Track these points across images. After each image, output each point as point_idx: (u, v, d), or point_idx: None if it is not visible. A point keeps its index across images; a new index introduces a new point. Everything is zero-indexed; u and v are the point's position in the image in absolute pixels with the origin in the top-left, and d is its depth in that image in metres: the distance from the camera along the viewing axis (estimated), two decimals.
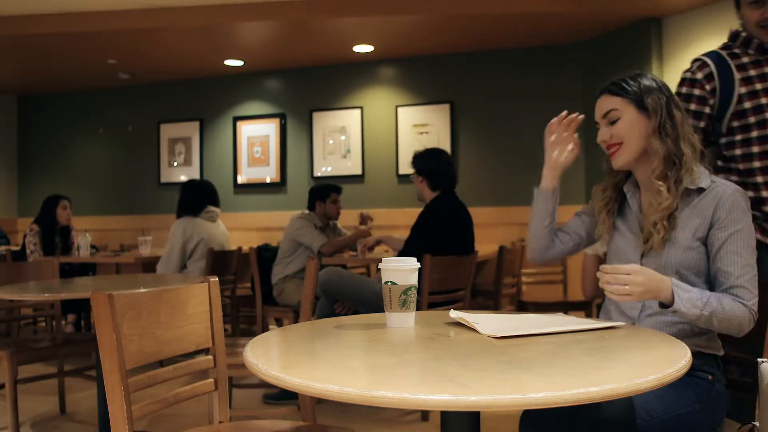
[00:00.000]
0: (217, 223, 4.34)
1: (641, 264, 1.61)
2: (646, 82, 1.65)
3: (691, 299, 1.46)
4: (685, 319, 1.50)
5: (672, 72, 5.00)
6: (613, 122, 1.64)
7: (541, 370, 1.02)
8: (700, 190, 1.60)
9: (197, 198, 4.24)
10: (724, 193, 1.57)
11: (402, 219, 4.90)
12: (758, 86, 2.00)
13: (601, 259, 3.18)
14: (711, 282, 1.60)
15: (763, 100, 1.99)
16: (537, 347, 1.18)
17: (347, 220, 5.53)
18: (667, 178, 1.60)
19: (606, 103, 1.67)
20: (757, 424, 1.32)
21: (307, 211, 4.28)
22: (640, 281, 1.41)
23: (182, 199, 4.26)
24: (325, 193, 4.26)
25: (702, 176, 1.62)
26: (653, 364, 1.06)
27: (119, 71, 6.39)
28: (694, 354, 1.57)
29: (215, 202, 4.32)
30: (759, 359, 1.32)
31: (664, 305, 1.48)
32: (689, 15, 4.94)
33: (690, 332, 1.58)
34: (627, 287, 1.41)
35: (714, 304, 1.47)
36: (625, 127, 1.63)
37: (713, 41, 4.82)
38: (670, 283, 1.46)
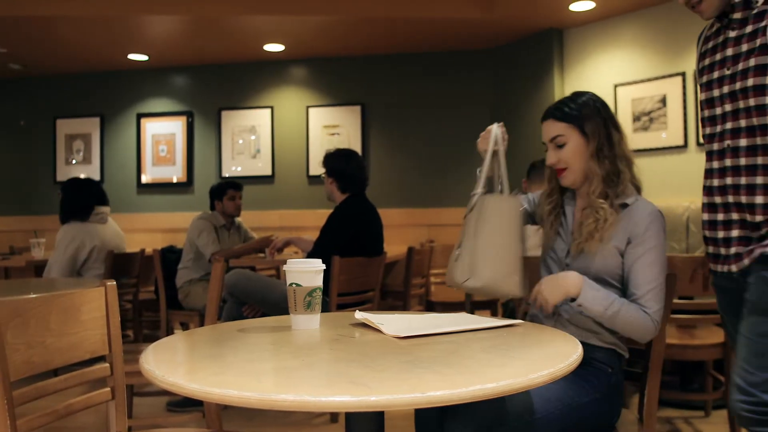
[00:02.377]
0: (109, 223, 4.00)
1: (566, 265, 1.74)
2: (586, 106, 1.74)
3: (597, 297, 1.59)
4: (589, 314, 1.62)
5: (573, 80, 5.26)
6: (560, 146, 1.74)
7: (441, 368, 1.04)
8: (624, 205, 1.71)
9: (83, 199, 3.84)
10: (644, 211, 1.68)
11: (312, 220, 4.88)
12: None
13: None
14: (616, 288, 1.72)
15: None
16: (439, 346, 1.21)
17: (257, 221, 5.44)
18: (607, 196, 1.71)
19: (552, 128, 1.76)
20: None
21: (209, 212, 4.20)
22: (544, 288, 1.63)
23: (65, 201, 3.84)
24: (222, 190, 4.20)
25: (629, 192, 1.73)
26: (547, 359, 1.11)
27: (10, 62, 5.99)
28: (600, 348, 1.67)
29: (103, 201, 3.94)
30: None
31: (573, 299, 1.61)
32: (588, 28, 5.21)
33: (602, 328, 1.69)
34: (541, 297, 1.63)
35: (617, 307, 1.59)
36: (571, 152, 1.73)
37: (610, 52, 5.14)
38: (581, 280, 1.60)
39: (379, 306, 3.36)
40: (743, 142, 1.48)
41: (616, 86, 4.98)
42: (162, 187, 6.31)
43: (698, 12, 1.56)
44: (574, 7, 4.78)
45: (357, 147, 5.86)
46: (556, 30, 5.30)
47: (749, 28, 1.47)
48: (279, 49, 5.74)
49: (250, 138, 6.13)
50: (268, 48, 5.71)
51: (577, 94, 1.79)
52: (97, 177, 6.27)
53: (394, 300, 4.13)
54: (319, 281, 1.39)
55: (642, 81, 4.85)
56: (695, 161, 4.57)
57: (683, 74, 4.62)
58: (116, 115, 6.41)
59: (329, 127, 6.00)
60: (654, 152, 4.80)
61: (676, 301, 2.79)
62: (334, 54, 5.96)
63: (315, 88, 6.10)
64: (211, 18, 5.00)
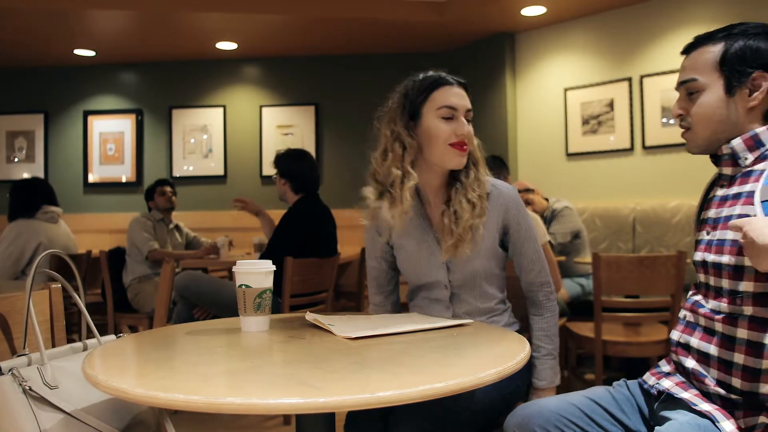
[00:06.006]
0: (59, 224, 3.91)
1: (449, 271, 1.65)
2: None
3: (551, 367, 1.63)
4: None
5: (524, 83, 5.35)
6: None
7: (391, 368, 1.04)
8: (486, 195, 1.64)
9: (31, 197, 3.78)
10: (509, 196, 1.64)
11: None
12: None
13: None
14: (500, 278, 1.69)
15: None
16: (389, 347, 1.22)
17: (209, 221, 5.36)
18: (474, 186, 1.62)
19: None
20: None
21: (146, 211, 4.28)
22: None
23: (13, 200, 3.78)
24: (152, 188, 4.32)
25: (487, 180, 1.66)
26: (495, 358, 1.13)
27: None
28: None
29: (53, 202, 3.88)
30: None
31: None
32: (539, 32, 5.31)
33: (497, 316, 1.69)
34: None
35: (551, 347, 1.63)
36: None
37: (560, 57, 5.24)
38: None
39: (333, 307, 3.35)
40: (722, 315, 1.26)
41: (566, 90, 5.09)
42: (110, 187, 6.14)
43: (685, 140, 1.38)
44: (525, 11, 4.86)
45: (311, 147, 5.83)
46: (508, 34, 5.39)
47: (734, 190, 1.28)
48: (232, 47, 5.66)
49: (201, 137, 6.03)
50: (220, 46, 5.63)
51: None
52: (41, 176, 6.06)
53: (348, 301, 4.13)
54: (269, 282, 1.38)
55: (591, 85, 4.98)
56: (641, 164, 4.71)
57: (629, 79, 4.76)
58: (61, 112, 6.21)
59: (283, 127, 5.95)
60: (602, 155, 4.93)
61: (622, 299, 2.87)
62: (287, 53, 5.91)
63: (268, 88, 6.04)
64: (161, 14, 4.89)
